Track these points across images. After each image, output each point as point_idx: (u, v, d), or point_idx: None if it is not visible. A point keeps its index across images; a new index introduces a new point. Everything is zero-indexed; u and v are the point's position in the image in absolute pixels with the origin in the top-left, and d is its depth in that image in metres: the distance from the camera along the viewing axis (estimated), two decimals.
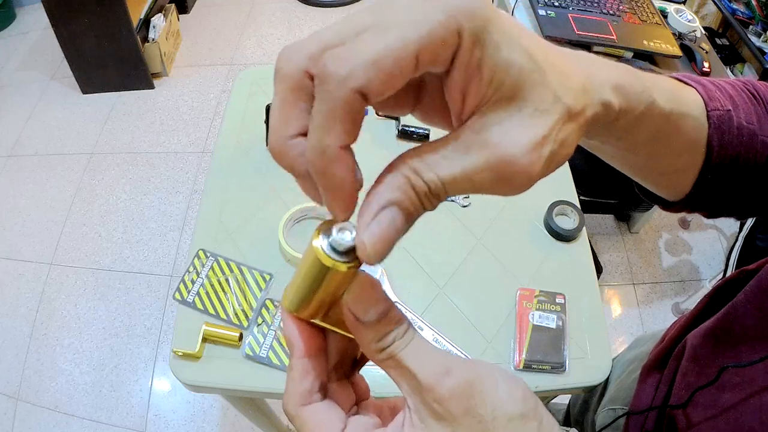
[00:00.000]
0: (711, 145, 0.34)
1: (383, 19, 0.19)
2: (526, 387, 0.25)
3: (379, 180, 0.23)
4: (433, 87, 0.25)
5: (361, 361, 0.30)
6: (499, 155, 0.21)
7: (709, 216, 0.40)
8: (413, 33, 0.19)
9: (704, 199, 0.37)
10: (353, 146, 0.23)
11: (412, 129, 1.10)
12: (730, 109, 0.34)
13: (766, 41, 1.79)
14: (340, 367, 0.29)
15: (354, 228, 0.23)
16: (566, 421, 1.04)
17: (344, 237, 0.23)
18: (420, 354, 0.24)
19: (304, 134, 0.22)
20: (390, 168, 0.23)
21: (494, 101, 0.21)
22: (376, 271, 0.88)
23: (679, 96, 0.32)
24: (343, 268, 0.23)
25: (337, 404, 0.27)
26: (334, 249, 0.23)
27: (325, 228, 0.24)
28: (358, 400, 0.29)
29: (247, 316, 0.86)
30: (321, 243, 0.24)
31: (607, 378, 0.81)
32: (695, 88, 0.35)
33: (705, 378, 0.45)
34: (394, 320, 0.25)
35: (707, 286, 1.66)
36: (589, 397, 0.87)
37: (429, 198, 0.21)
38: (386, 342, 0.24)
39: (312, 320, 0.27)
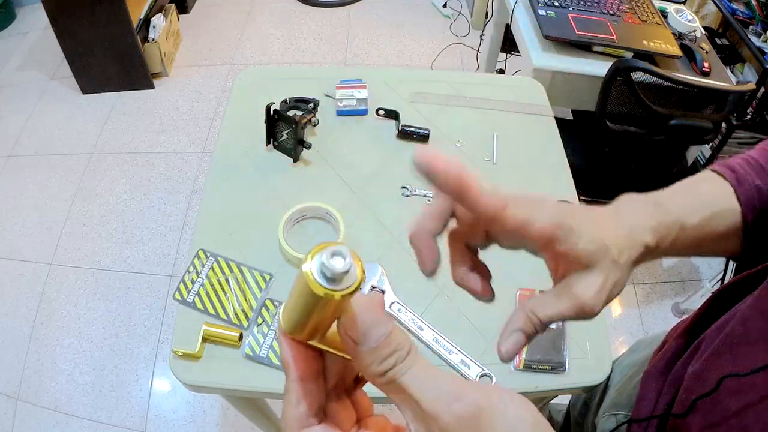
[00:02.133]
0: (746, 220, 0.42)
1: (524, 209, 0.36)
2: (536, 411, 0.24)
3: (514, 313, 0.37)
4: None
5: (363, 378, 0.29)
6: (578, 303, 0.35)
7: None
8: (537, 222, 0.36)
9: (758, 251, 0.44)
10: None
11: (412, 129, 1.10)
12: (759, 184, 0.43)
13: (766, 41, 1.79)
14: (340, 386, 0.28)
15: (348, 253, 0.22)
16: (566, 422, 1.04)
17: (336, 264, 0.22)
18: (423, 378, 0.23)
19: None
20: (520, 307, 0.37)
21: (575, 269, 0.36)
22: (376, 271, 0.88)
23: (709, 201, 0.42)
24: (337, 296, 0.22)
25: (337, 425, 0.26)
26: (325, 276, 0.22)
27: (318, 253, 0.22)
28: (360, 418, 0.28)
29: (247, 316, 0.86)
30: (311, 269, 0.22)
31: (607, 381, 0.80)
32: (726, 177, 0.44)
33: (705, 387, 0.45)
34: (394, 342, 0.23)
35: (707, 286, 1.66)
36: (590, 399, 0.87)
37: (538, 326, 0.36)
38: (387, 365, 0.23)
39: (309, 342, 0.26)
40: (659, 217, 0.39)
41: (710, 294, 0.56)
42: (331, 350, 0.26)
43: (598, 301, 0.35)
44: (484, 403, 0.23)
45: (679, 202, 0.40)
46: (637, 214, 0.38)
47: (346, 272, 0.22)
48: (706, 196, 0.42)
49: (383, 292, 0.87)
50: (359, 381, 0.29)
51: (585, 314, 0.35)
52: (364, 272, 0.23)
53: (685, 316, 0.63)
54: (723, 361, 0.45)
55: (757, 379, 0.40)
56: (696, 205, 0.41)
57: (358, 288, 0.23)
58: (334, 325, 0.25)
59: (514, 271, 0.92)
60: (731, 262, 1.49)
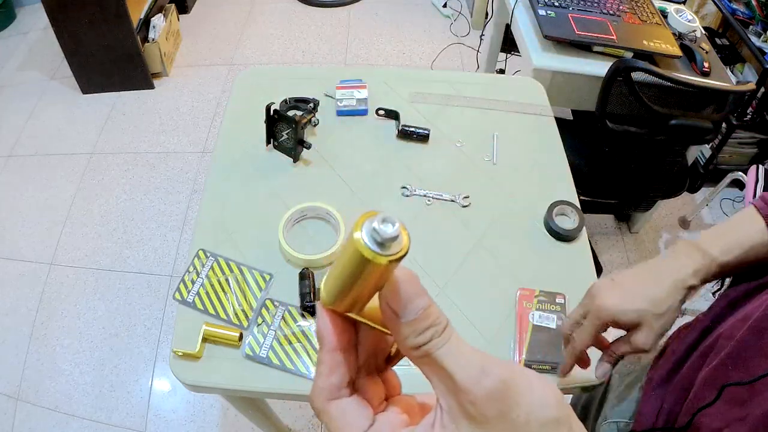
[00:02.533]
0: None
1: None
2: (559, 393, 0.24)
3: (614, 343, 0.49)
4: None
5: (396, 356, 0.29)
6: (634, 347, 0.57)
7: None
8: None
9: None
10: None
11: (412, 129, 1.10)
12: None
13: (766, 41, 1.79)
14: (371, 363, 0.28)
15: (397, 221, 0.23)
16: None
17: (387, 229, 0.23)
18: (457, 354, 0.23)
19: None
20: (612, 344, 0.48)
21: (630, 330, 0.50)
22: None
23: (745, 238, 0.56)
24: (384, 261, 0.22)
25: (366, 400, 0.27)
26: (375, 241, 0.23)
27: (366, 220, 0.23)
28: (388, 396, 0.29)
29: (247, 316, 0.86)
30: (362, 235, 0.23)
31: (607, 385, 0.80)
32: (760, 211, 0.57)
33: (708, 397, 0.44)
34: (432, 317, 0.24)
35: (707, 286, 1.66)
36: (589, 403, 0.86)
37: (615, 359, 0.50)
38: (424, 339, 0.24)
39: (347, 314, 0.26)
40: (701, 261, 0.55)
41: (712, 297, 0.56)
42: (369, 323, 0.26)
43: (649, 342, 0.54)
44: (511, 377, 0.23)
45: (720, 245, 0.56)
46: (681, 265, 0.56)
47: (395, 239, 0.23)
48: (743, 237, 0.56)
49: None
50: (390, 360, 0.29)
51: (643, 352, 0.54)
52: (410, 241, 0.24)
53: (687, 319, 0.63)
54: (726, 369, 0.45)
55: (762, 384, 0.40)
56: (733, 244, 0.56)
57: (404, 255, 0.23)
58: (372, 300, 0.26)
59: (515, 270, 0.92)
60: None
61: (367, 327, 0.27)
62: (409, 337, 0.24)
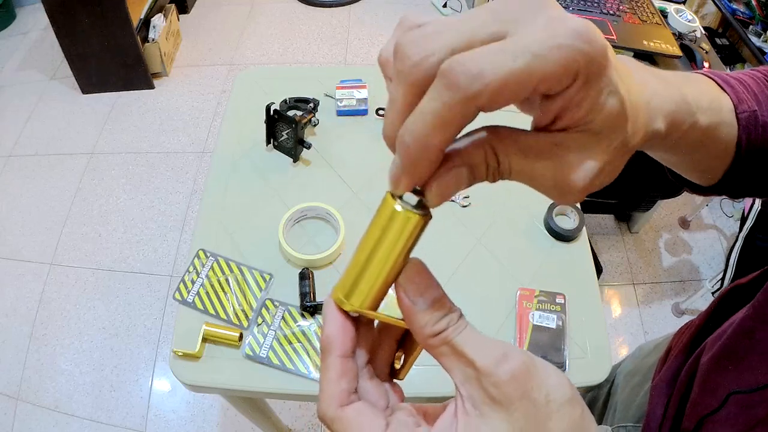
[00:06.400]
0: (740, 145, 0.37)
1: (513, 41, 0.20)
2: (572, 385, 0.25)
3: (462, 141, 0.25)
4: None
5: (403, 368, 0.29)
6: (565, 174, 0.24)
7: (732, 197, 0.43)
8: (540, 66, 0.20)
9: (730, 186, 0.40)
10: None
11: None
12: (756, 110, 0.37)
13: (766, 41, 1.79)
14: (369, 368, 0.28)
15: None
16: None
17: (412, 198, 0.24)
18: (475, 340, 0.24)
19: None
20: (473, 135, 0.25)
21: (581, 130, 0.24)
22: None
23: (716, 106, 0.36)
24: (415, 216, 0.24)
25: (372, 404, 0.26)
26: (406, 203, 0.24)
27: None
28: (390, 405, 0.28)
29: (247, 316, 0.86)
30: (393, 198, 0.24)
31: (610, 388, 0.80)
32: (727, 93, 0.37)
33: (713, 402, 0.44)
34: (447, 306, 0.25)
35: (707, 286, 1.66)
36: (591, 404, 0.86)
37: (494, 174, 0.25)
38: (441, 326, 0.24)
39: (360, 312, 0.26)
40: (680, 102, 0.31)
41: (712, 297, 0.55)
42: (386, 318, 0.26)
43: (590, 183, 0.24)
44: (529, 361, 0.24)
45: (693, 94, 0.33)
46: (661, 87, 0.29)
47: (423, 206, 0.24)
48: (714, 101, 0.35)
49: None
50: (396, 373, 0.29)
51: (563, 192, 0.25)
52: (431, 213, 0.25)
53: (687, 318, 0.62)
54: (728, 374, 0.45)
55: (765, 394, 0.39)
56: (705, 103, 0.34)
57: (431, 217, 0.25)
58: (383, 302, 0.26)
59: (515, 270, 0.92)
60: (731, 263, 1.49)
61: (369, 328, 0.27)
62: (426, 326, 0.24)
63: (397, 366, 0.29)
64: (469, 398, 0.24)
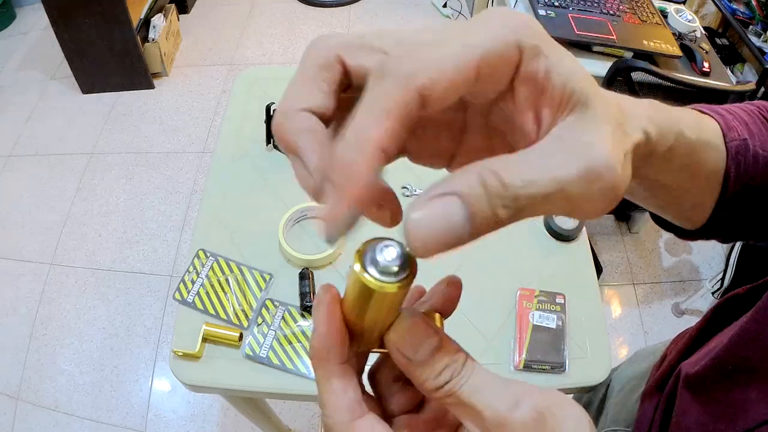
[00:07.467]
0: (728, 175, 0.34)
1: (440, 37, 0.19)
2: (591, 421, 0.23)
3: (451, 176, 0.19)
4: (477, 126, 0.25)
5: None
6: (592, 159, 0.19)
7: (724, 241, 0.40)
8: (474, 44, 0.18)
9: (719, 228, 0.37)
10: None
11: None
12: (746, 138, 0.34)
13: (766, 41, 1.79)
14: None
15: (400, 244, 0.21)
16: None
17: (390, 255, 0.21)
18: (483, 388, 0.22)
19: (314, 112, 0.23)
20: (464, 169, 0.19)
21: (572, 108, 0.20)
22: None
23: (702, 126, 0.32)
24: (393, 288, 0.21)
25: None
26: (378, 269, 0.21)
27: (368, 248, 0.22)
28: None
29: (247, 316, 0.86)
30: (363, 266, 0.21)
31: (606, 390, 0.80)
32: (714, 118, 0.34)
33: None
34: (449, 354, 0.22)
35: (707, 286, 1.66)
36: (587, 405, 0.86)
37: (502, 200, 0.18)
38: (443, 379, 0.22)
39: (369, 350, 0.24)
40: (658, 110, 0.27)
41: (712, 297, 0.55)
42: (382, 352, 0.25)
43: (623, 172, 0.20)
44: (545, 406, 0.22)
45: (676, 111, 0.30)
46: (628, 98, 0.26)
47: (399, 265, 0.21)
48: (699, 121, 0.32)
49: None
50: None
51: (600, 188, 0.19)
52: (416, 264, 0.22)
53: (687, 318, 0.62)
54: (735, 388, 0.44)
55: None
56: (692, 122, 0.31)
57: (412, 278, 0.21)
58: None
59: (515, 270, 0.92)
60: (731, 263, 1.49)
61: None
62: (427, 380, 0.22)
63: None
64: None
